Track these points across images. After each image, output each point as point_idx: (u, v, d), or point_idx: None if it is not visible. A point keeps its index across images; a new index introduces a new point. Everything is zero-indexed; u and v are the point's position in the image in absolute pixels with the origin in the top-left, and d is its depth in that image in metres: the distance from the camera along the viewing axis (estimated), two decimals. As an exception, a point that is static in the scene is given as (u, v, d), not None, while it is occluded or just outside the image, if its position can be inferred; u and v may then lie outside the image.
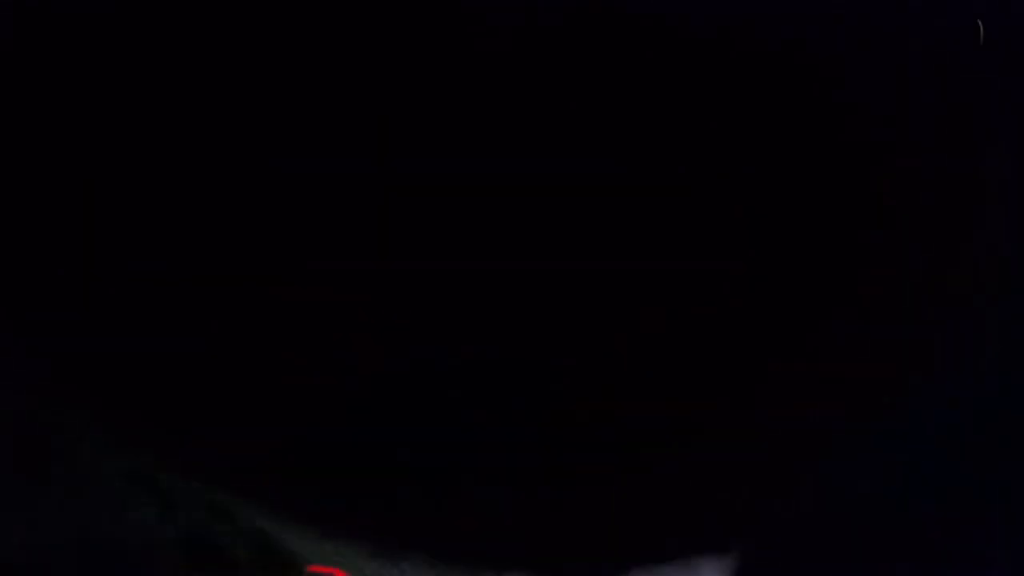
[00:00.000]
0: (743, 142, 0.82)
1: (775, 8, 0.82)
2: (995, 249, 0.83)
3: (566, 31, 0.83)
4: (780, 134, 0.83)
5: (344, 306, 0.83)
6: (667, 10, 0.82)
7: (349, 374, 0.83)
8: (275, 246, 0.84)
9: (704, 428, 0.82)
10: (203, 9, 0.83)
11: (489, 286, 0.83)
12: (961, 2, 0.82)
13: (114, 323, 0.83)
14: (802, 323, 0.83)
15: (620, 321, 0.83)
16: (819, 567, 0.82)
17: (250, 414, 0.83)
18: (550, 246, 0.83)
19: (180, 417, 0.83)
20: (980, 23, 0.79)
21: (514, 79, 0.82)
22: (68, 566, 0.80)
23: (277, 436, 0.83)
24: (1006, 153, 0.82)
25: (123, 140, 0.84)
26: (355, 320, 0.83)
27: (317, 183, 0.83)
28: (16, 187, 0.84)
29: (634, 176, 0.82)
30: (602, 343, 0.83)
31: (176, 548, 0.81)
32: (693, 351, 0.83)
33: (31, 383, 0.83)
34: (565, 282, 0.83)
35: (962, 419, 0.82)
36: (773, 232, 0.82)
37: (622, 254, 0.82)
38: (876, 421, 0.82)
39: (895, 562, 0.81)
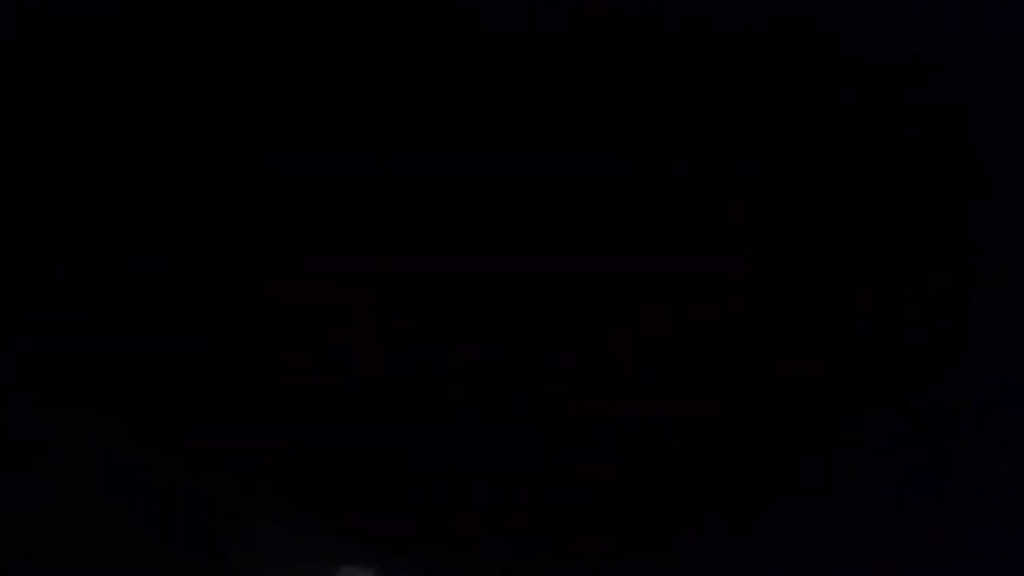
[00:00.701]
0: (743, 142, 0.83)
1: (772, 7, 0.82)
2: (995, 249, 0.83)
3: (566, 31, 0.83)
4: (780, 134, 0.83)
5: (344, 306, 0.83)
6: (667, 10, 0.82)
7: (349, 374, 0.83)
8: (275, 246, 0.84)
9: (704, 428, 0.82)
10: (203, 9, 0.83)
11: (489, 286, 0.83)
12: (961, 2, 0.82)
13: (114, 323, 0.84)
14: (802, 323, 0.83)
15: (620, 321, 0.83)
16: (819, 567, 0.82)
17: (250, 414, 0.83)
18: (550, 246, 0.83)
19: (179, 417, 0.84)
20: None
21: (514, 79, 0.82)
22: (67, 566, 0.80)
23: (277, 436, 0.83)
24: (1006, 153, 0.83)
25: (123, 140, 0.84)
26: (355, 320, 0.84)
27: (317, 183, 0.83)
28: (16, 187, 0.85)
29: (634, 176, 0.82)
30: (602, 343, 0.83)
31: (175, 550, 0.81)
32: (693, 351, 0.83)
33: (30, 383, 0.83)
34: (565, 282, 0.83)
35: (962, 419, 0.82)
36: (773, 232, 0.82)
37: (622, 254, 0.82)
38: (876, 421, 0.82)
39: (895, 562, 0.81)
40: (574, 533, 0.83)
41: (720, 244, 0.82)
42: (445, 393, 0.83)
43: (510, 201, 0.82)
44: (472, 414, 0.83)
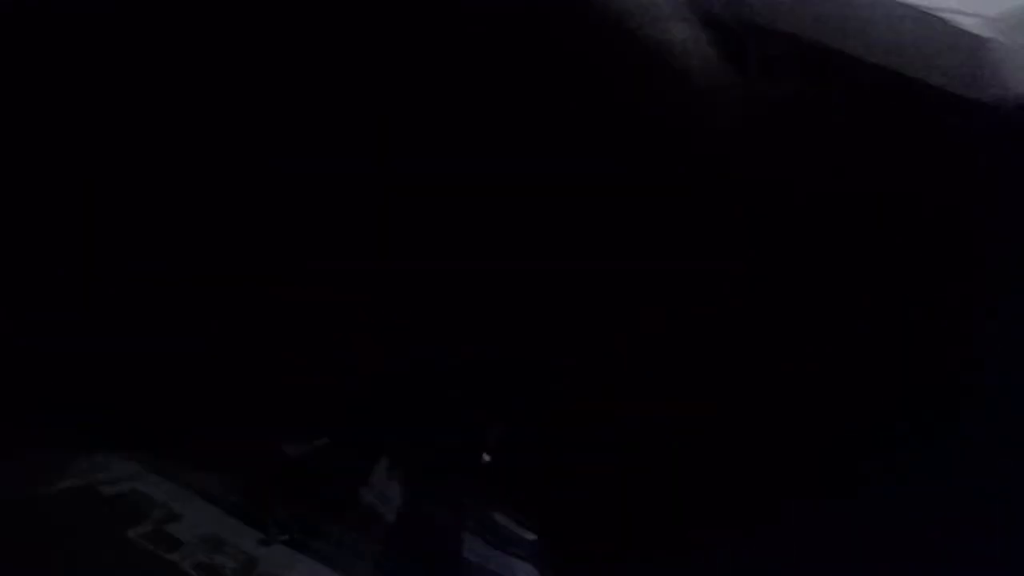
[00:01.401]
0: (743, 142, 0.83)
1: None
2: (996, 249, 0.83)
3: (566, 30, 0.83)
4: (779, 133, 0.83)
5: (344, 306, 0.83)
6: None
7: (349, 374, 0.83)
8: (275, 246, 0.84)
9: (704, 428, 0.82)
10: (203, 9, 0.83)
11: (489, 286, 0.83)
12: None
13: (114, 323, 0.84)
14: (802, 323, 0.83)
15: (620, 321, 0.83)
16: (819, 567, 0.82)
17: (250, 414, 0.83)
18: (550, 246, 0.83)
19: (179, 417, 0.84)
20: None
21: (514, 79, 0.82)
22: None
23: (277, 436, 0.83)
24: (1006, 153, 0.83)
25: (123, 140, 0.84)
26: (355, 320, 0.84)
27: (317, 183, 0.83)
28: (16, 187, 0.85)
29: (634, 176, 0.82)
30: (602, 343, 0.83)
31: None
32: (693, 351, 0.83)
33: (30, 383, 0.83)
34: (565, 282, 0.83)
35: (962, 419, 0.82)
36: (773, 232, 0.82)
37: (622, 254, 0.82)
38: (875, 421, 0.82)
39: (895, 562, 0.81)
40: (574, 533, 0.83)
41: (720, 244, 0.82)
42: (445, 393, 0.83)
43: (510, 201, 0.82)
44: (472, 414, 0.83)
